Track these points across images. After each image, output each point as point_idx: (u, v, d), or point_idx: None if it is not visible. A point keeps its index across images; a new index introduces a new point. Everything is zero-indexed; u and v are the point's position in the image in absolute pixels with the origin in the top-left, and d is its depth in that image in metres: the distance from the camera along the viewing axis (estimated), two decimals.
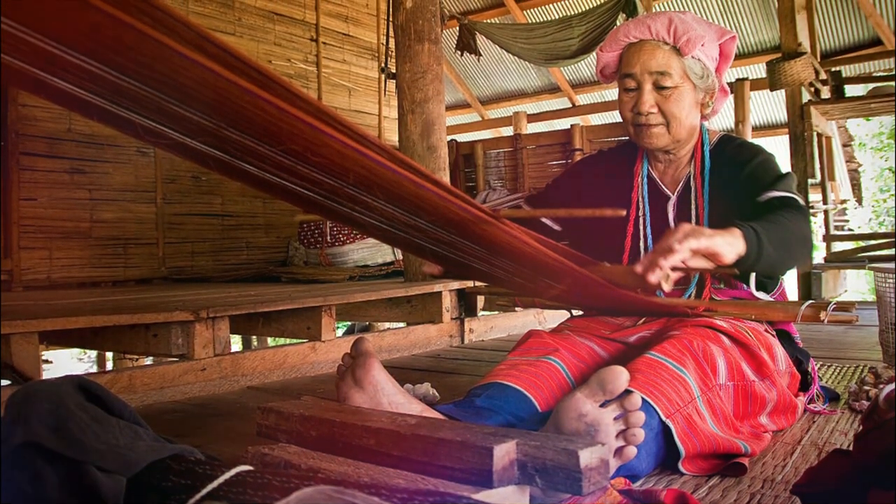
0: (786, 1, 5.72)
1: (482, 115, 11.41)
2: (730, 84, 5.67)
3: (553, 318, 4.33)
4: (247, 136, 1.14)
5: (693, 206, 2.03)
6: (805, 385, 2.00)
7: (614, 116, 9.06)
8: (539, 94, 11.00)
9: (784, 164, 2.38)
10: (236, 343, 8.83)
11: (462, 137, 7.04)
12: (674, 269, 1.55)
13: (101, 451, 1.06)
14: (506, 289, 2.29)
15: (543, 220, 2.19)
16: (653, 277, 1.55)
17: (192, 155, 1.33)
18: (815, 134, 5.67)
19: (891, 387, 1.08)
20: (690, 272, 1.85)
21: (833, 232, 6.21)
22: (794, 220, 1.76)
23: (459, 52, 7.61)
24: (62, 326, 2.45)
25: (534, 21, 9.23)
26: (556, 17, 8.79)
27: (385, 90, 7.21)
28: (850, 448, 1.10)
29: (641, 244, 2.07)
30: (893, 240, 5.87)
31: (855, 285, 13.53)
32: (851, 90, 6.05)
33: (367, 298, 3.59)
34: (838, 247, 6.20)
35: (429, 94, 4.12)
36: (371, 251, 5.62)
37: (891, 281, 2.53)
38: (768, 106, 9.68)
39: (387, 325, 6.04)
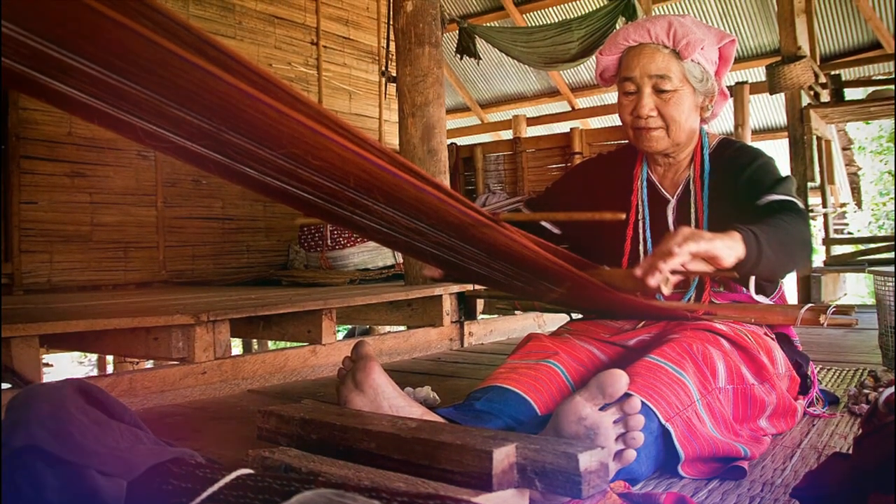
0: (785, 4, 5.72)
1: (482, 119, 11.41)
2: (729, 87, 5.67)
3: (552, 321, 4.33)
4: (247, 140, 1.14)
5: (692, 210, 2.03)
6: (804, 388, 2.00)
7: (614, 120, 9.06)
8: (538, 97, 11.01)
9: (783, 167, 2.38)
10: (237, 346, 8.84)
11: (462, 141, 7.05)
12: (673, 272, 1.56)
13: (102, 455, 1.06)
14: (506, 292, 2.29)
15: (543, 223, 2.19)
16: (652, 281, 1.55)
17: (193, 158, 1.33)
18: (814, 137, 5.67)
19: (890, 390, 1.08)
20: (690, 275, 1.85)
21: (832, 235, 6.20)
22: (793, 224, 1.76)
23: (459, 56, 7.61)
24: (63, 330, 2.45)
25: (533, 25, 9.24)
26: (556, 20, 8.80)
27: (385, 94, 7.22)
28: (850, 451, 1.10)
29: (641, 248, 2.07)
30: (893, 243, 5.87)
31: (854, 289, 13.52)
32: (851, 94, 6.05)
33: (367, 302, 3.59)
34: (838, 250, 6.19)
35: (429, 98, 4.13)
36: (371, 255, 5.62)
37: (890, 284, 2.53)
38: (768, 109, 9.69)
39: (387, 328, 6.04)
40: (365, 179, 1.17)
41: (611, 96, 9.84)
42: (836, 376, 2.63)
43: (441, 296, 3.81)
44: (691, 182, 2.05)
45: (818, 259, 6.09)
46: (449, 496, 0.98)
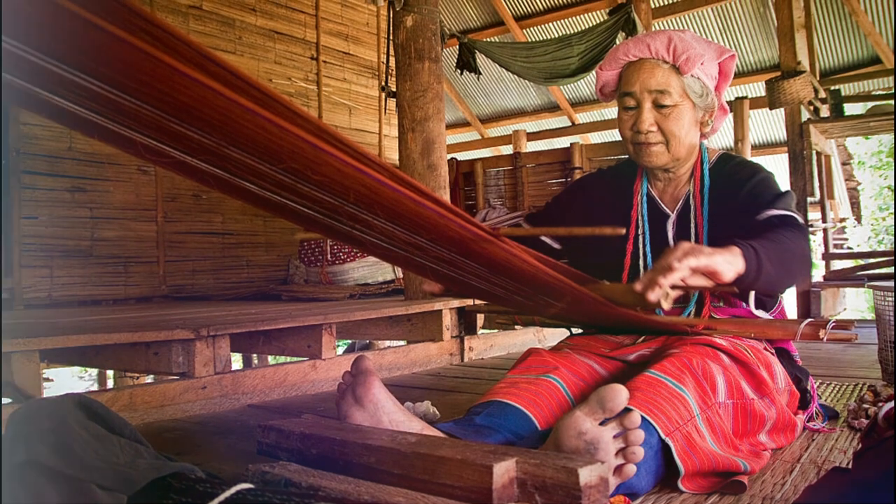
0: (785, 20, 5.75)
1: (482, 134, 11.44)
2: (729, 102, 5.67)
3: (553, 336, 4.33)
4: (247, 155, 1.15)
5: (692, 225, 2.03)
6: (804, 403, 1.99)
7: (614, 135, 9.09)
8: (539, 112, 11.03)
9: (783, 182, 2.39)
10: (237, 361, 8.81)
11: (462, 156, 7.07)
12: (673, 287, 1.56)
13: (102, 470, 1.06)
14: (506, 307, 2.29)
15: (543, 238, 2.19)
16: (652, 296, 1.55)
17: (193, 173, 1.33)
18: (814, 152, 5.69)
19: (890, 405, 1.08)
20: (690, 290, 1.85)
21: (832, 250, 6.20)
22: (793, 239, 1.77)
23: (459, 71, 7.63)
24: (63, 344, 2.44)
25: (533, 40, 9.27)
26: (556, 35, 8.82)
27: (385, 108, 7.23)
28: (850, 466, 1.10)
29: (641, 262, 2.07)
30: (892, 258, 5.87)
31: (854, 303, 13.50)
32: (850, 109, 6.08)
33: (367, 317, 3.59)
34: (837, 265, 6.19)
35: (429, 113, 4.13)
36: (371, 269, 5.62)
37: (890, 299, 2.53)
38: (768, 124, 9.71)
39: (387, 343, 6.03)
40: (365, 194, 1.17)
41: (611, 111, 9.86)
42: (835, 391, 2.63)
43: (441, 311, 3.81)
44: (691, 197, 2.06)
45: (818, 274, 6.09)
46: None
